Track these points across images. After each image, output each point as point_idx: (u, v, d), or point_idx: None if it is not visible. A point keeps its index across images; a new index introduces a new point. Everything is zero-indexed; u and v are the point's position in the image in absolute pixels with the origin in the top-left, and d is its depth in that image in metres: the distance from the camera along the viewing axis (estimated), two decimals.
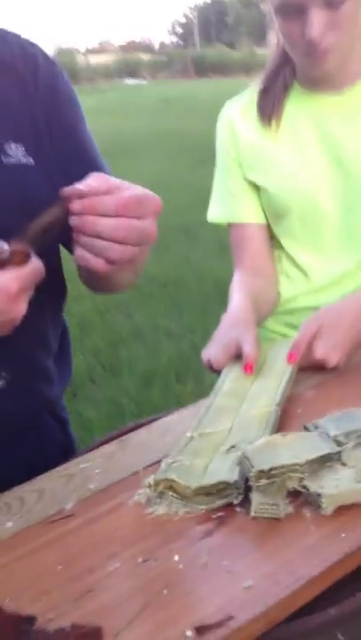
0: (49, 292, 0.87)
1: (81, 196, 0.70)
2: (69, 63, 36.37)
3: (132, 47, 67.09)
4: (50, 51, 0.97)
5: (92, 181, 0.72)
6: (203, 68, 35.89)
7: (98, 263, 0.72)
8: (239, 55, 40.10)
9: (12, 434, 1.00)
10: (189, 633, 0.61)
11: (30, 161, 0.90)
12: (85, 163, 0.96)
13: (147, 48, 70.88)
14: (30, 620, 0.66)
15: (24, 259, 0.71)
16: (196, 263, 4.75)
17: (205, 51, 42.56)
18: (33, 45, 0.96)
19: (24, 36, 0.96)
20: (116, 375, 3.40)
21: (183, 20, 76.83)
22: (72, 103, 0.98)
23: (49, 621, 0.65)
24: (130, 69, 33.85)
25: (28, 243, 0.72)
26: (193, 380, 3.11)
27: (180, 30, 76.85)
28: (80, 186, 0.71)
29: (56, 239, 0.96)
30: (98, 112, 14.80)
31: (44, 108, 0.93)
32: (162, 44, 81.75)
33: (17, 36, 0.96)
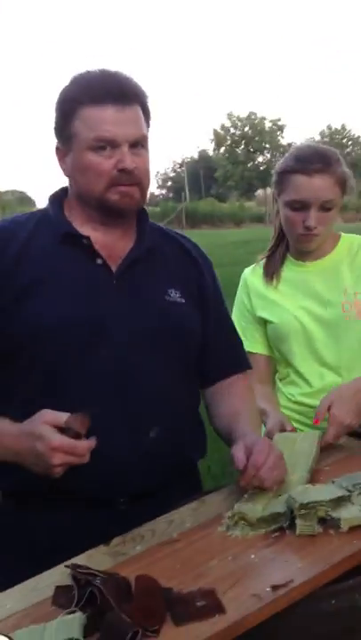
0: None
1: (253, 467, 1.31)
2: None
3: None
4: None
5: (259, 457, 1.31)
6: (195, 220, 38.18)
7: None
8: (229, 208, 42.97)
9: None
10: (268, 589, 1.06)
11: (183, 301, 1.49)
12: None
13: None
14: (169, 590, 1.09)
15: (76, 435, 1.21)
16: None
17: (197, 203, 45.41)
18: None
19: None
20: None
21: (172, 174, 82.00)
22: (216, 278, 1.65)
23: (180, 590, 1.08)
24: None
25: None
26: None
27: (169, 183, 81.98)
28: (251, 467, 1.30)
29: None
30: None
31: (202, 278, 1.57)
32: (152, 195, 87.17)
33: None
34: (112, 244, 1.45)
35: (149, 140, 1.44)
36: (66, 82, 1.42)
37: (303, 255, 1.97)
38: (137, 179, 1.38)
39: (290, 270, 2.00)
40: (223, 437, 1.55)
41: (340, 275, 1.94)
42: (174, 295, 1.49)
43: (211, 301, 1.59)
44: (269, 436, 1.72)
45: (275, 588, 1.06)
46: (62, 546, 1.24)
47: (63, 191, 1.51)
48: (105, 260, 1.43)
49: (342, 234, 2.00)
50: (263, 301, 2.00)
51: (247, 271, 2.08)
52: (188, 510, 1.38)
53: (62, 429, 1.22)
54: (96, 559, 1.21)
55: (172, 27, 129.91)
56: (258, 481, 1.31)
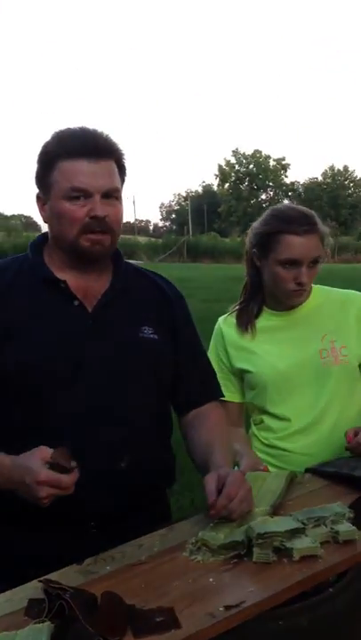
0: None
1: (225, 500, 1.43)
2: None
3: (128, 228, 72.05)
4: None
5: (232, 489, 1.43)
6: (196, 253, 38.49)
7: None
8: (230, 243, 43.34)
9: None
10: (221, 608, 1.17)
11: (156, 337, 1.61)
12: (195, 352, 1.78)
13: (141, 230, 76.30)
14: (132, 606, 1.20)
15: (61, 470, 1.34)
16: None
17: (199, 237, 45.86)
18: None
19: None
20: None
21: (177, 207, 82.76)
22: (189, 314, 1.78)
23: (142, 607, 1.19)
24: (127, 250, 36.36)
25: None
26: None
27: (173, 216, 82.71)
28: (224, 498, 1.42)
29: None
30: None
31: (175, 313, 1.69)
32: (155, 226, 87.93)
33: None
34: (88, 286, 1.58)
35: (125, 191, 1.59)
36: (52, 131, 1.57)
37: (280, 306, 2.08)
38: (107, 226, 1.51)
39: (266, 320, 2.10)
40: (198, 467, 1.66)
41: (316, 323, 2.06)
42: (147, 332, 1.62)
43: (183, 336, 1.72)
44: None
45: (227, 607, 1.17)
46: (36, 563, 1.35)
47: (43, 237, 1.64)
48: (81, 302, 1.56)
49: (313, 285, 2.12)
50: (240, 352, 2.09)
51: (221, 321, 2.17)
52: (157, 536, 1.49)
53: (51, 464, 1.35)
54: (68, 576, 1.32)
55: (182, 61, 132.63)
56: (227, 512, 1.43)
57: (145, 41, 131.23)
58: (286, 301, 2.06)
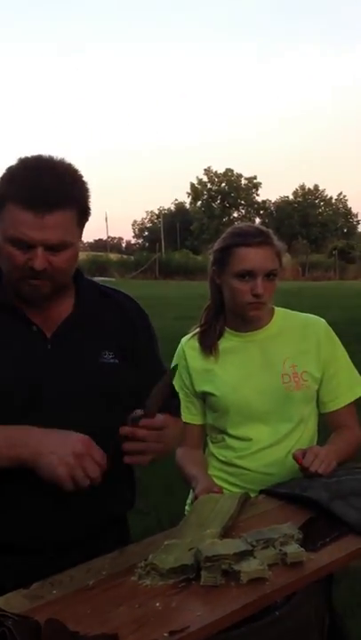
0: None
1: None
2: None
3: (100, 245, 71.81)
4: None
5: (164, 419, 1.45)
6: (168, 270, 38.56)
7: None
8: (202, 260, 43.49)
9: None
10: (166, 634, 1.16)
11: (116, 361, 1.60)
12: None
13: (114, 247, 76.26)
14: (75, 633, 1.19)
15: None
16: None
17: (171, 254, 45.98)
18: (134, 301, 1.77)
19: None
20: None
21: (149, 224, 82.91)
22: (152, 335, 1.76)
23: (86, 634, 1.18)
24: (99, 267, 36.28)
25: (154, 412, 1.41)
26: None
27: (146, 233, 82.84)
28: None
29: None
30: None
31: (136, 336, 1.68)
32: (128, 243, 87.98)
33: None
34: (46, 312, 1.56)
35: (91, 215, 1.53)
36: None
37: (243, 326, 2.09)
38: (47, 276, 1.46)
39: (229, 341, 2.10)
40: None
41: (278, 347, 2.07)
42: (108, 356, 1.61)
43: (145, 357, 1.70)
44: (197, 499, 1.82)
45: (172, 633, 1.16)
46: None
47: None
48: (39, 328, 1.55)
49: (275, 308, 2.14)
50: (203, 375, 2.09)
51: (184, 342, 2.16)
52: (107, 559, 1.47)
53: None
54: (15, 601, 1.30)
55: (155, 77, 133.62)
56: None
57: (117, 55, 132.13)
58: (245, 316, 2.05)
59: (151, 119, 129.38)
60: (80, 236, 1.54)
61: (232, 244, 2.00)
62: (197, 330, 2.14)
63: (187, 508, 2.10)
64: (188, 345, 2.14)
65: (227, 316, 2.11)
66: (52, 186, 1.42)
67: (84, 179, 1.52)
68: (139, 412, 1.42)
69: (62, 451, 1.38)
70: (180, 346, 2.16)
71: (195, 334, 2.14)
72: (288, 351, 2.06)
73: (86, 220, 1.54)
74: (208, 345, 2.09)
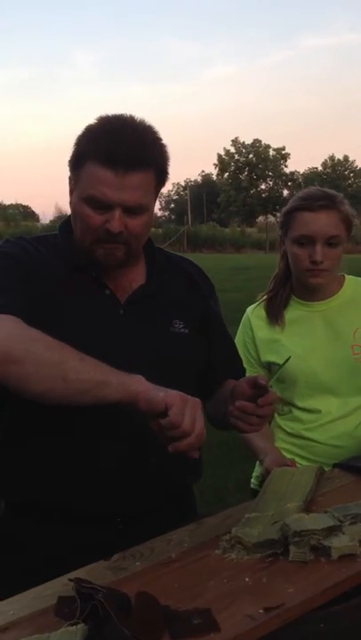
0: None
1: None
2: None
3: None
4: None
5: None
6: (196, 243, 38.38)
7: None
8: (230, 233, 43.29)
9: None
10: (261, 611, 1.12)
11: (186, 331, 1.55)
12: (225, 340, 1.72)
13: None
14: (167, 607, 1.15)
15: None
16: None
17: (199, 227, 45.74)
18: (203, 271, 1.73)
19: None
20: None
21: (175, 197, 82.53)
22: (219, 305, 1.72)
23: (177, 608, 1.14)
24: None
25: None
26: None
27: (172, 205, 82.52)
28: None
29: None
30: None
31: (205, 300, 1.64)
32: (155, 217, 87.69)
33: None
34: (119, 277, 1.51)
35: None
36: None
37: (309, 295, 2.02)
38: (123, 240, 1.42)
39: (296, 310, 2.04)
40: (220, 419, 1.59)
41: (348, 317, 2.00)
42: (178, 326, 1.56)
43: (213, 325, 1.66)
44: (268, 472, 1.78)
45: (267, 609, 1.12)
46: (59, 558, 1.31)
47: None
48: (112, 291, 1.51)
49: (346, 275, 2.07)
50: (269, 345, 2.04)
51: (249, 312, 2.11)
52: (185, 531, 1.44)
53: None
54: (97, 573, 1.27)
55: (182, 47, 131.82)
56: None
57: (140, 29, 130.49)
58: (305, 283, 1.99)
59: (179, 90, 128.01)
60: (155, 203, 1.49)
61: (294, 207, 1.94)
62: (264, 297, 2.08)
63: (253, 480, 2.06)
64: (255, 314, 2.08)
65: (293, 284, 2.04)
66: (134, 145, 1.36)
67: (164, 142, 1.45)
68: (261, 380, 1.40)
69: (178, 395, 1.28)
70: (245, 315, 2.11)
71: (261, 302, 2.08)
72: (359, 321, 1.98)
73: (162, 185, 1.49)
74: (274, 314, 2.04)
